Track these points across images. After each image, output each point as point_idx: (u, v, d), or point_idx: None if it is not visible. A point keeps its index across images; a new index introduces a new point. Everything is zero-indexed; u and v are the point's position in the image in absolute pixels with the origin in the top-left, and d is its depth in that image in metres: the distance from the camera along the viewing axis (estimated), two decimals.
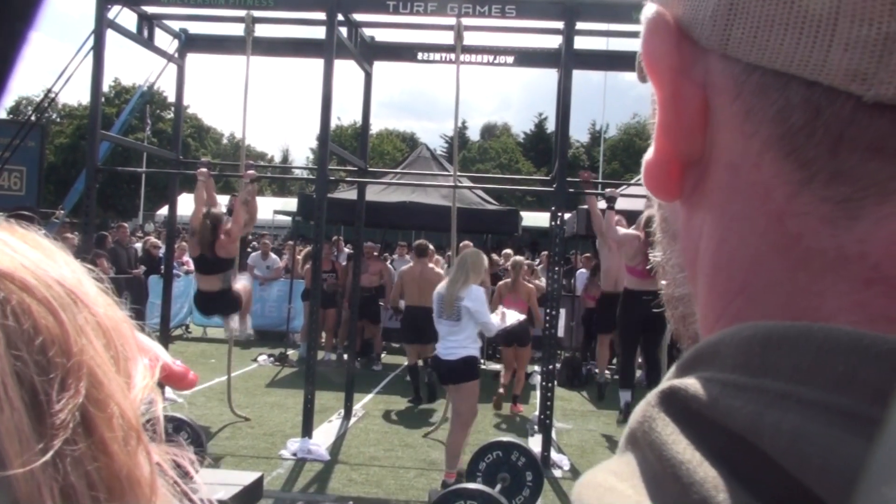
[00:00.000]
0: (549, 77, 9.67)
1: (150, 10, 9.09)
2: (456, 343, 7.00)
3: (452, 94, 8.59)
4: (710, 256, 0.41)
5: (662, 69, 0.41)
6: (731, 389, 0.32)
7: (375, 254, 13.91)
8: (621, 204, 13.24)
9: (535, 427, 8.81)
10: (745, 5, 0.36)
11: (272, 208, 30.38)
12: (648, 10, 0.42)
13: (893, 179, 0.34)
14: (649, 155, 0.43)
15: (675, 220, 0.46)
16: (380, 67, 10.22)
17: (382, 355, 13.89)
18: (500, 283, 10.68)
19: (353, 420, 9.54)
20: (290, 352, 13.65)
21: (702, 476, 0.31)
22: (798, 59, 0.34)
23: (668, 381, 0.36)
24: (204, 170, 8.67)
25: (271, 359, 13.24)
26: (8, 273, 0.50)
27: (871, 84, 0.33)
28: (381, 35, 9.99)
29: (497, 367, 12.43)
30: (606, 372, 11.57)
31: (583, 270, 14.98)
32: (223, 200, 10.81)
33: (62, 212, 14.28)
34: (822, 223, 0.35)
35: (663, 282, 0.48)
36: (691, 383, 0.34)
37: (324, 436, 8.58)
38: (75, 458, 0.48)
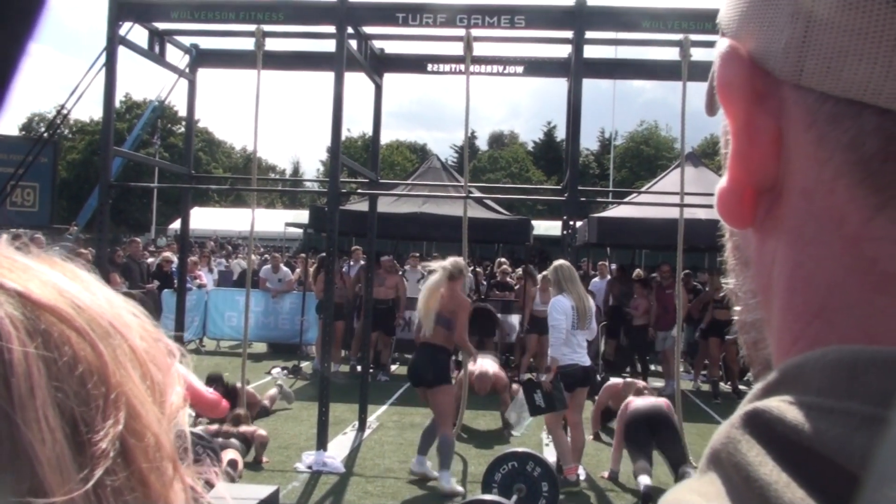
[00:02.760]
0: (557, 84, 9.73)
1: (162, 26, 9.14)
2: (584, 349, 7.75)
3: (462, 103, 8.61)
4: (786, 281, 0.42)
5: (736, 100, 0.42)
6: (817, 412, 0.33)
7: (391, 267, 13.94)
8: (629, 212, 13.30)
9: (551, 437, 8.78)
10: (818, 38, 0.37)
11: (283, 220, 30.48)
12: (722, 44, 0.43)
13: None
14: (722, 183, 0.44)
15: (747, 246, 0.47)
16: (389, 78, 10.24)
17: (394, 367, 13.90)
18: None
19: (367, 432, 9.53)
20: (304, 364, 13.66)
21: (790, 498, 0.32)
22: (872, 88, 0.35)
23: (752, 402, 0.37)
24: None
25: (285, 371, 13.25)
26: (48, 305, 0.50)
27: None
28: (391, 47, 10.02)
29: None
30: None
31: (597, 279, 14.98)
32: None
33: (76, 227, 14.36)
34: None
35: (737, 308, 0.49)
36: (776, 405, 0.35)
37: (339, 448, 8.58)
38: (115, 489, 0.49)
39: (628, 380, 9.97)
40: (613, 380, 10.46)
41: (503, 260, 17.69)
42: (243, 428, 8.09)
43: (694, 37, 7.85)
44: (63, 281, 0.54)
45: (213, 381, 8.72)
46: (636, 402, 7.71)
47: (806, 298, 0.40)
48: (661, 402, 7.76)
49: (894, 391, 0.31)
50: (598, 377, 12.05)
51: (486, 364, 9.84)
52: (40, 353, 0.48)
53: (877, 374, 0.33)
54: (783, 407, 0.34)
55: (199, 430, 7.14)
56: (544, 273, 10.04)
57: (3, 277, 0.50)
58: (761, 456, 0.34)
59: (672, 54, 8.45)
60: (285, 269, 16.51)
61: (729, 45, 0.43)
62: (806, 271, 0.40)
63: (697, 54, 7.86)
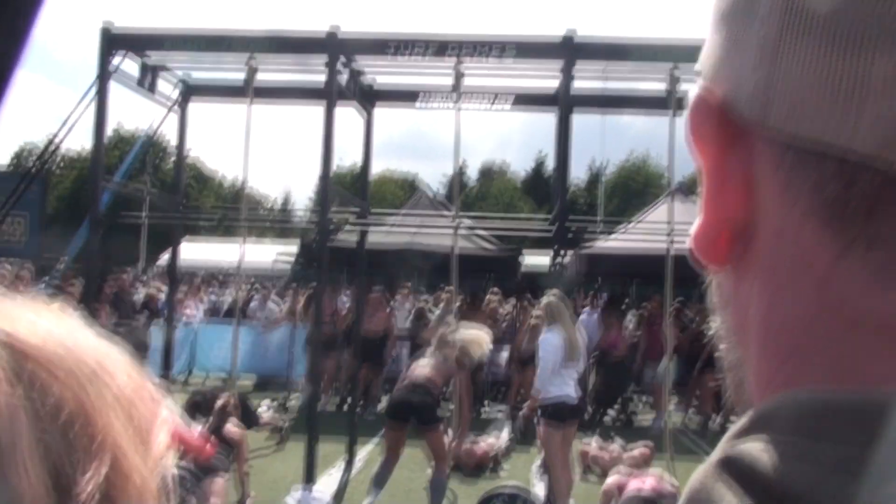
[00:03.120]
0: (547, 116, 9.75)
1: (153, 58, 9.17)
2: (574, 384, 7.65)
3: (452, 135, 8.64)
4: (760, 321, 0.42)
5: (708, 143, 0.44)
6: (790, 456, 0.33)
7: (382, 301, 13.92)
8: (619, 244, 13.32)
9: (541, 471, 8.72)
10: (781, 84, 0.39)
11: (274, 252, 30.39)
12: (693, 90, 0.45)
13: None
14: (697, 224, 0.45)
15: (726, 286, 0.47)
16: (379, 109, 10.31)
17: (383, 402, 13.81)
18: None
19: (355, 468, 9.44)
20: (292, 399, 13.56)
21: None
22: (831, 132, 0.36)
23: (727, 445, 0.37)
24: None
25: (273, 406, 13.14)
26: (34, 349, 0.51)
27: None
28: (382, 79, 10.08)
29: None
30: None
31: (584, 314, 14.94)
32: None
33: (64, 260, 14.30)
34: (864, 288, 0.37)
35: (721, 347, 0.49)
36: (750, 448, 0.35)
37: (327, 484, 8.49)
38: None
39: (605, 453, 9.66)
40: (586, 442, 10.09)
41: (495, 291, 17.68)
42: (230, 428, 7.88)
43: (682, 69, 7.93)
44: (50, 324, 0.54)
45: (197, 406, 8.39)
46: (631, 487, 7.31)
47: (779, 339, 0.41)
48: (661, 488, 7.36)
49: (864, 433, 0.32)
50: (588, 412, 12.01)
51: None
52: (25, 397, 0.48)
53: (847, 417, 0.33)
54: (757, 450, 0.35)
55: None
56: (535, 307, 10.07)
57: None
58: (737, 500, 0.34)
59: (661, 86, 8.53)
60: (274, 301, 16.46)
61: (701, 89, 0.45)
62: (779, 312, 0.41)
63: (686, 86, 7.94)
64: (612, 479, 7.56)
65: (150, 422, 0.57)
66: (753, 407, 0.38)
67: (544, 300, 7.77)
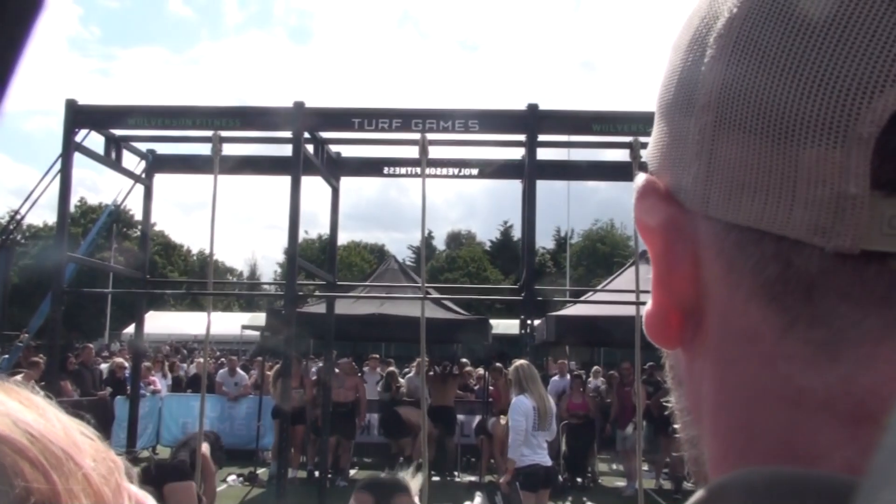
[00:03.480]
0: (513, 184, 9.85)
1: (118, 132, 9.18)
2: (545, 450, 7.62)
3: (418, 204, 8.69)
4: (712, 399, 0.44)
5: (653, 229, 0.45)
6: None
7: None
8: (585, 310, 13.37)
9: None
10: (718, 173, 0.41)
11: (240, 323, 30.08)
12: (639, 179, 0.47)
13: (865, 322, 0.37)
14: (648, 307, 0.47)
15: (678, 366, 0.49)
16: (346, 180, 10.36)
17: (354, 471, 13.60)
18: None
19: None
20: (260, 470, 13.32)
21: None
22: (767, 217, 0.38)
23: None
24: None
25: (240, 479, 12.89)
26: (2, 435, 0.50)
27: (831, 237, 0.36)
28: (347, 151, 10.15)
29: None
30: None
31: (556, 378, 14.90)
32: None
33: (27, 335, 14.05)
34: (808, 365, 0.39)
35: (677, 425, 0.51)
36: None
37: None
38: None
39: None
40: None
41: (465, 361, 17.60)
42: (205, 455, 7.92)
43: (643, 139, 8.07)
44: (17, 410, 0.54)
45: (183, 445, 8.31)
46: None
47: (730, 416, 0.42)
48: None
49: None
50: (560, 478, 11.90)
51: None
52: None
53: (794, 495, 0.34)
54: None
55: None
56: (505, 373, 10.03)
57: None
58: None
59: (623, 155, 8.67)
60: (241, 372, 16.25)
61: (646, 178, 0.47)
62: (729, 390, 0.43)
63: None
64: None
65: (115, 503, 0.56)
66: (710, 481, 0.39)
67: (514, 366, 7.75)
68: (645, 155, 0.50)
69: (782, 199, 0.38)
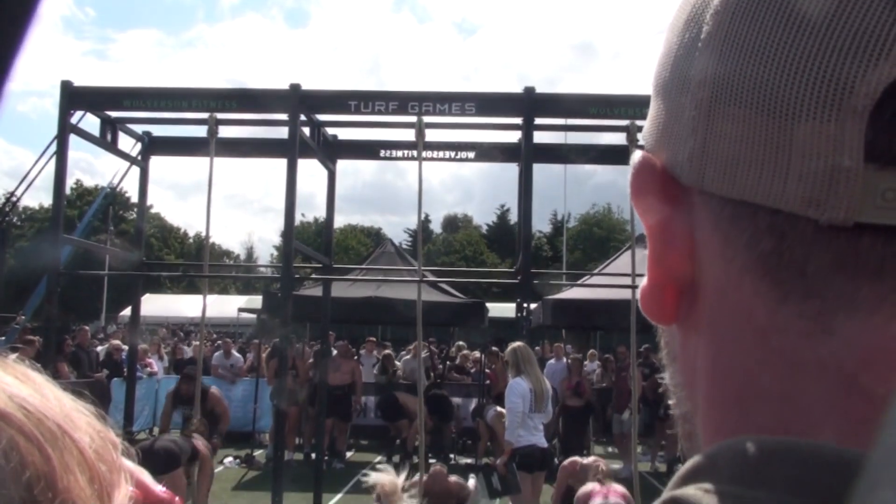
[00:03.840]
0: (509, 168, 9.82)
1: (114, 114, 9.14)
2: (541, 432, 7.70)
3: (415, 187, 8.68)
4: (706, 373, 0.45)
5: (650, 205, 0.46)
6: (728, 500, 0.35)
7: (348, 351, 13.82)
8: (582, 293, 13.38)
9: None
10: (714, 148, 0.41)
11: (237, 306, 30.07)
12: (635, 156, 0.47)
13: (858, 294, 0.38)
14: (644, 283, 0.47)
15: (673, 342, 0.49)
16: (343, 163, 10.34)
17: (351, 453, 13.66)
18: None
19: None
20: (257, 452, 13.37)
21: None
22: (761, 190, 0.39)
23: (672, 490, 0.39)
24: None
25: (237, 461, 12.94)
26: None
27: (825, 209, 0.37)
28: (344, 133, 10.13)
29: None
30: None
31: (552, 361, 14.94)
32: None
33: (23, 317, 14.06)
34: (801, 338, 0.39)
35: (671, 401, 0.51)
36: (691, 493, 0.36)
37: None
38: None
39: (588, 461, 9.78)
40: (572, 458, 10.26)
41: (462, 343, 17.62)
42: (197, 442, 8.16)
43: (640, 122, 8.05)
44: (13, 385, 0.54)
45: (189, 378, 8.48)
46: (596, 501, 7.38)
47: (724, 390, 0.43)
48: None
49: (799, 479, 0.34)
50: (556, 460, 11.93)
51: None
52: None
53: (783, 462, 0.35)
54: (699, 495, 0.36)
55: None
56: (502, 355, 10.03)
57: None
58: None
59: (620, 139, 8.65)
60: (237, 355, 16.28)
61: (642, 155, 0.47)
62: (723, 364, 0.43)
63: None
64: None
65: (112, 481, 0.57)
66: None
67: (511, 347, 7.77)
68: (641, 135, 0.50)
69: (777, 173, 0.38)
